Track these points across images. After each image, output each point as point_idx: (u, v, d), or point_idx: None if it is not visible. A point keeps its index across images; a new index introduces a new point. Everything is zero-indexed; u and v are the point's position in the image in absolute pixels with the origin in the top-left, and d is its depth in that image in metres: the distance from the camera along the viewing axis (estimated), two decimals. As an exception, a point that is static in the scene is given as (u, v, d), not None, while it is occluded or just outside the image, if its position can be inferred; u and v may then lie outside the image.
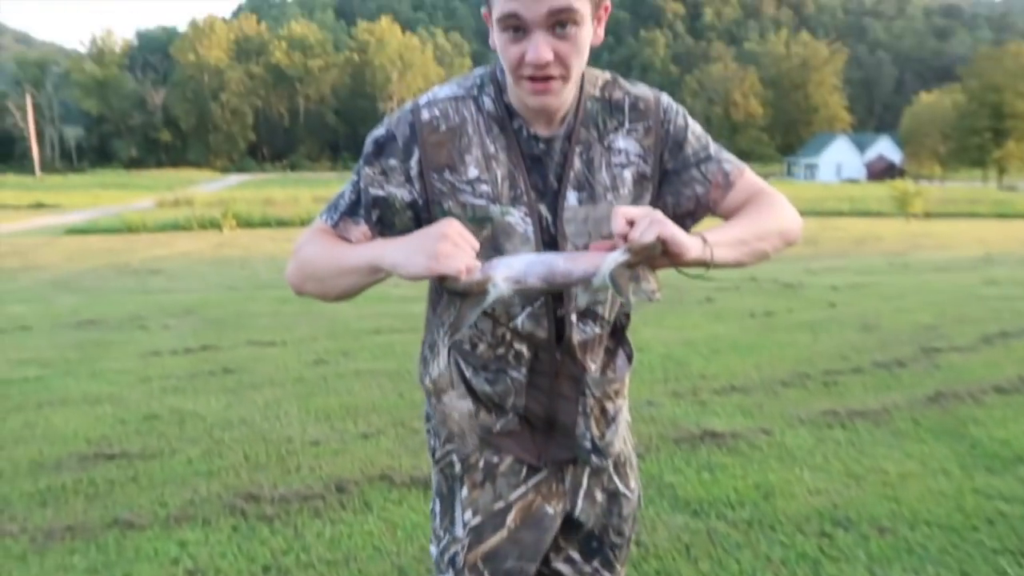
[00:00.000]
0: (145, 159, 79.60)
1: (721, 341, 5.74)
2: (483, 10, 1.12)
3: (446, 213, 1.11)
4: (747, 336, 5.91)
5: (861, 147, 72.66)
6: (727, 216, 1.22)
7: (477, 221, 1.12)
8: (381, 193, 1.14)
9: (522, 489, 1.26)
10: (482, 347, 1.22)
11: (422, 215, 1.15)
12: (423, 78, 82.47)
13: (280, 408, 4.22)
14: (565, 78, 1.07)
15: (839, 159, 70.65)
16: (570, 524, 1.32)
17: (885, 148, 72.86)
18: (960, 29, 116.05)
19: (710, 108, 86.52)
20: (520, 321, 1.18)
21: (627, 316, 1.33)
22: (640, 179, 1.18)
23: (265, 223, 22.42)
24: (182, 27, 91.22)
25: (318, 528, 2.79)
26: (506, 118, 1.14)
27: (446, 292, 1.17)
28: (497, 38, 1.07)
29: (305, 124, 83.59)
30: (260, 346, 5.88)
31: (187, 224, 22.53)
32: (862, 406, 4.07)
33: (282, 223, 22.17)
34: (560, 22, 1.03)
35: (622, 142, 1.17)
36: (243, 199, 29.03)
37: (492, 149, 1.12)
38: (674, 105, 1.22)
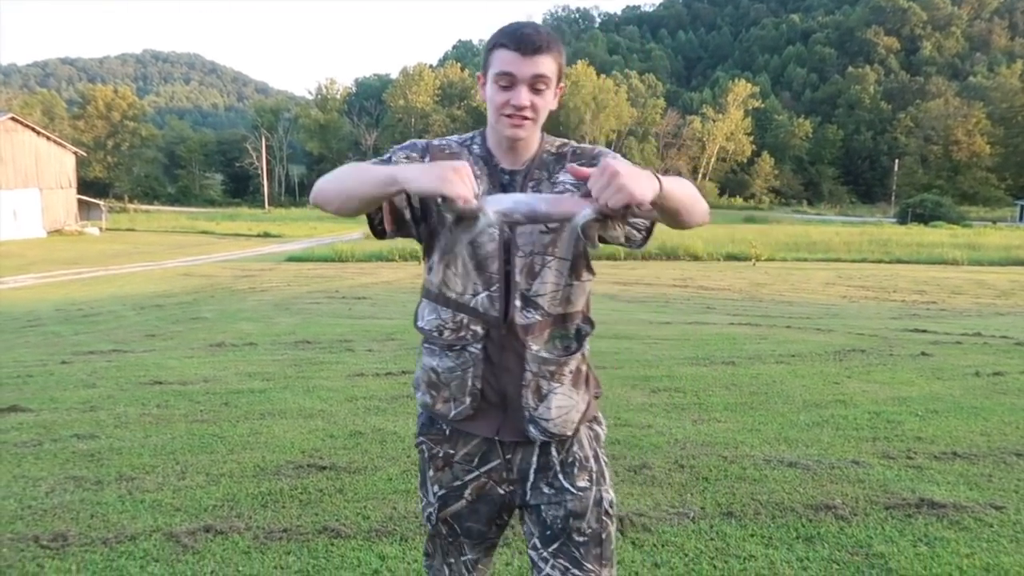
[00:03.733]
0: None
1: (940, 401, 5.20)
2: (478, 73, 1.58)
3: (438, 206, 1.43)
4: (972, 398, 5.31)
5: (1114, 191, 63.51)
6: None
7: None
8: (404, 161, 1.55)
9: (475, 473, 1.65)
10: (447, 332, 1.60)
11: (426, 202, 1.55)
12: (615, 119, 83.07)
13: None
14: (534, 120, 1.53)
15: (1085, 204, 62.16)
16: (534, 514, 1.64)
17: None
18: None
19: (927, 147, 79.76)
20: (479, 300, 1.56)
21: (570, 312, 1.61)
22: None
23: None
24: (395, 74, 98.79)
25: (507, 557, 2.84)
26: (488, 157, 1.60)
27: (443, 214, 1.44)
28: (490, 88, 1.52)
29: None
30: (454, 374, 6.13)
31: (390, 255, 24.14)
32: (1121, 489, 3.51)
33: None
34: (536, 83, 1.50)
35: (563, 176, 1.57)
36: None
37: (478, 172, 1.55)
38: (608, 151, 1.59)
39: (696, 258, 25.78)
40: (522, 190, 1.54)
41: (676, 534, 3.06)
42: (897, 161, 79.02)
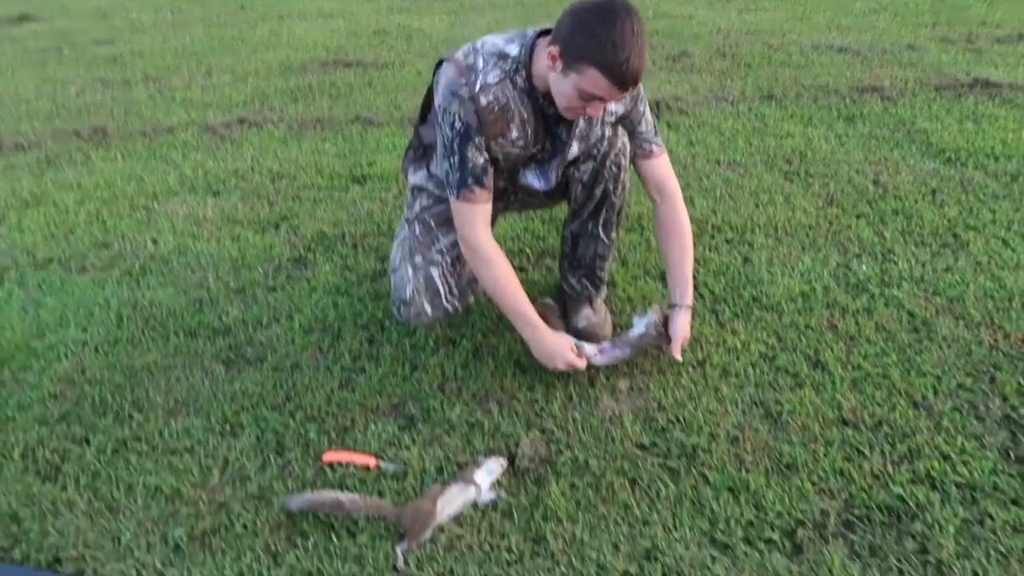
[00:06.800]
0: None
1: (1015, -15, 4.73)
2: (551, 49, 1.37)
3: (496, 160, 1.56)
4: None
5: None
6: (641, 173, 1.70)
7: (511, 160, 1.59)
8: (481, 161, 1.53)
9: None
10: None
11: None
12: None
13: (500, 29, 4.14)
14: None
15: None
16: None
17: None
18: None
19: None
20: (528, 177, 1.68)
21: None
22: (619, 120, 1.65)
23: None
24: None
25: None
26: (532, 91, 1.51)
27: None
28: (568, 88, 1.39)
29: None
30: (480, -28, 5.66)
31: None
32: None
33: None
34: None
35: (613, 106, 1.59)
36: None
37: (526, 116, 1.53)
38: (642, 91, 1.64)
39: None
40: (575, 123, 1.56)
41: (713, 116, 3.01)
42: None
